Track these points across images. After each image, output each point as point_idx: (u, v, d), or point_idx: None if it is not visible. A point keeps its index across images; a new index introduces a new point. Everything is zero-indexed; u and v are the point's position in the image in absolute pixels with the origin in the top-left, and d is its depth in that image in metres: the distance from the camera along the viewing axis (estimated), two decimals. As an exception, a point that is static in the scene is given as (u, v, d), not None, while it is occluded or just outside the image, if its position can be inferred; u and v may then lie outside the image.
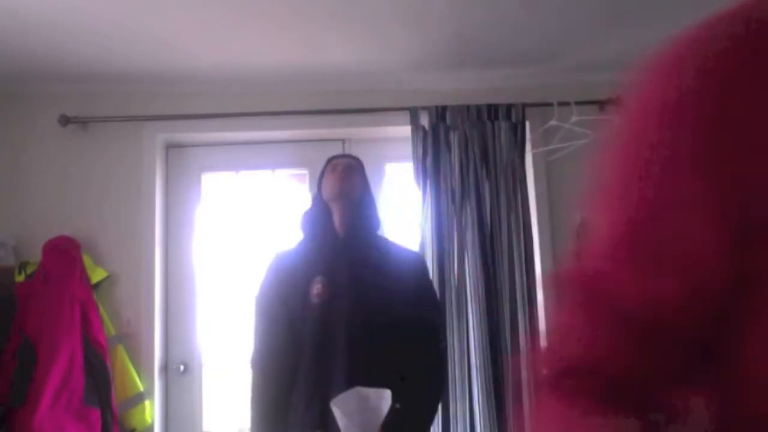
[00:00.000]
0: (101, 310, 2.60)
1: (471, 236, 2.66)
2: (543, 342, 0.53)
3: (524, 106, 2.78)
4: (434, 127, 2.74)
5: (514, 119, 2.76)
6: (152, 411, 2.65)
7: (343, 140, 2.93)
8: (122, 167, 2.81)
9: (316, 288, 1.77)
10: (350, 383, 1.58)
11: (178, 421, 2.79)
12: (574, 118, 2.67)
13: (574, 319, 0.51)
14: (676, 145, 0.47)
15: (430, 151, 2.72)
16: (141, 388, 2.60)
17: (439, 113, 2.75)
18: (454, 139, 2.73)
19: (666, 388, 0.49)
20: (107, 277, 2.68)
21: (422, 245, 2.66)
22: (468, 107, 2.76)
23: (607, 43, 2.62)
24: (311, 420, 1.67)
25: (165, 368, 2.80)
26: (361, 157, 2.09)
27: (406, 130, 2.75)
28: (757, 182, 0.43)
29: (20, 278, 2.53)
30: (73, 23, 2.26)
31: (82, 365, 2.41)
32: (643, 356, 0.48)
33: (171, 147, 2.97)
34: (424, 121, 2.76)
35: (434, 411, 1.85)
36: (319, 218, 1.91)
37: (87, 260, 2.64)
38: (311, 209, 1.96)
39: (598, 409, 0.47)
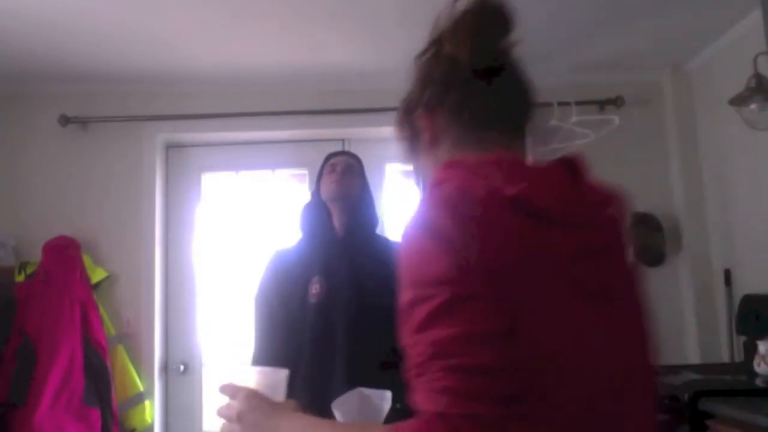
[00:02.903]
0: (101, 310, 2.60)
1: (471, 236, 2.66)
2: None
3: (524, 106, 2.78)
4: (434, 127, 2.73)
5: (514, 119, 2.76)
6: (152, 411, 2.65)
7: (343, 140, 2.93)
8: (122, 167, 2.81)
9: (314, 288, 1.77)
10: (350, 384, 1.57)
11: (178, 421, 2.79)
12: (574, 118, 2.67)
13: None
14: None
15: (430, 151, 2.72)
16: (141, 388, 2.60)
17: (439, 113, 2.75)
18: (454, 139, 2.73)
19: None
20: (107, 277, 2.68)
21: (422, 245, 2.65)
22: (468, 107, 2.75)
23: (607, 43, 2.62)
24: (311, 420, 1.67)
25: (165, 368, 2.80)
26: (361, 157, 2.08)
27: (406, 130, 2.75)
28: None
29: (20, 278, 2.53)
30: (73, 23, 2.26)
31: (82, 365, 2.41)
32: None
33: (171, 147, 2.97)
34: (424, 121, 2.76)
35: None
36: (318, 218, 1.90)
37: (87, 260, 2.64)
38: (310, 206, 1.95)
39: None
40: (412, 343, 0.67)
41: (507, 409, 0.62)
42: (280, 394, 0.85)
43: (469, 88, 0.81)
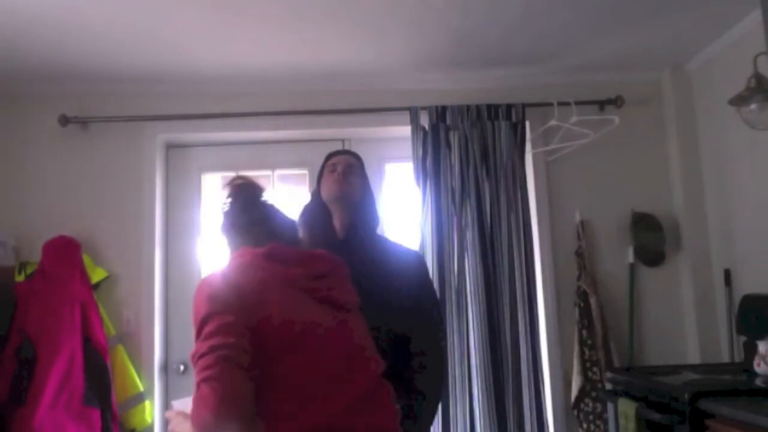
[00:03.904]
0: (101, 310, 2.60)
1: (471, 236, 2.66)
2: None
3: (524, 106, 2.78)
4: (434, 127, 2.74)
5: (514, 119, 2.76)
6: (152, 411, 2.65)
7: (343, 140, 2.93)
8: (122, 167, 2.81)
9: (315, 289, 1.77)
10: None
11: (178, 421, 2.78)
12: (574, 118, 2.67)
13: None
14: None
15: (430, 151, 2.72)
16: (141, 388, 2.60)
17: (439, 113, 2.75)
18: (454, 139, 2.73)
19: None
20: (107, 277, 2.68)
21: (422, 245, 2.65)
22: (468, 107, 2.76)
23: (607, 43, 2.62)
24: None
25: (165, 368, 2.80)
26: (361, 157, 2.07)
27: (406, 130, 2.75)
28: None
29: (20, 278, 2.53)
30: (74, 23, 2.26)
31: (82, 365, 2.41)
32: None
33: (171, 147, 2.97)
34: (424, 121, 2.76)
35: (434, 410, 1.84)
36: (319, 219, 1.90)
37: (87, 260, 2.64)
38: (311, 207, 1.95)
39: None
40: (196, 347, 1.19)
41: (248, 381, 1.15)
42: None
43: (246, 227, 1.49)
